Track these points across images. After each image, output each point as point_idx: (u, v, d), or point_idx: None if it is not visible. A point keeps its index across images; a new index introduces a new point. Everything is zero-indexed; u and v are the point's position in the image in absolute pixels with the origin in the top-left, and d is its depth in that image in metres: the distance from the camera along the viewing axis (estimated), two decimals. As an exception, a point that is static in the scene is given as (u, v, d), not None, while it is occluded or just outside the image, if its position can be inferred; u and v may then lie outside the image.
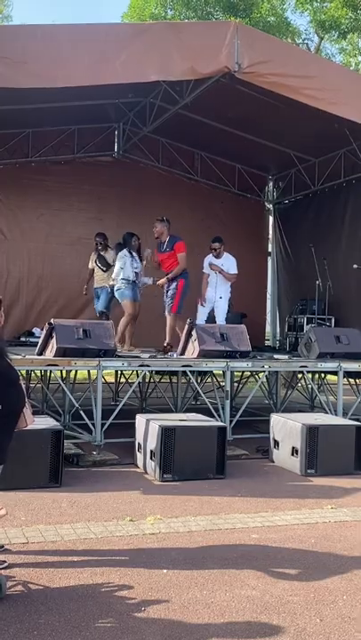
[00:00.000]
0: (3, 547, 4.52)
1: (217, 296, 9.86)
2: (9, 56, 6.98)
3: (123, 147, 12.80)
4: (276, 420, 7.51)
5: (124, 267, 9.15)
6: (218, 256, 9.91)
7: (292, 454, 7.07)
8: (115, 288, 9.27)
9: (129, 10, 24.36)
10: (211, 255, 9.97)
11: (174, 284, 9.08)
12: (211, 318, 9.87)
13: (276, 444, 7.42)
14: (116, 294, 9.26)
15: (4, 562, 4.26)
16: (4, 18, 28.49)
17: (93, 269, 10.51)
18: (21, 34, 7.51)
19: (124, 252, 9.19)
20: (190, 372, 8.38)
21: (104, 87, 8.11)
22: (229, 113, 10.61)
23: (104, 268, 10.21)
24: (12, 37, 7.33)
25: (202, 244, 10.34)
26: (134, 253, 9.24)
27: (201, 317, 9.80)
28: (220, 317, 9.82)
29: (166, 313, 9.16)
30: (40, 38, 7.33)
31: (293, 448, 7.06)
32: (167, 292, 9.17)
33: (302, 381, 10.59)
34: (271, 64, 8.13)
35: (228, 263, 9.91)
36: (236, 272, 9.94)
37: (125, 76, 7.73)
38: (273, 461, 7.45)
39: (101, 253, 10.29)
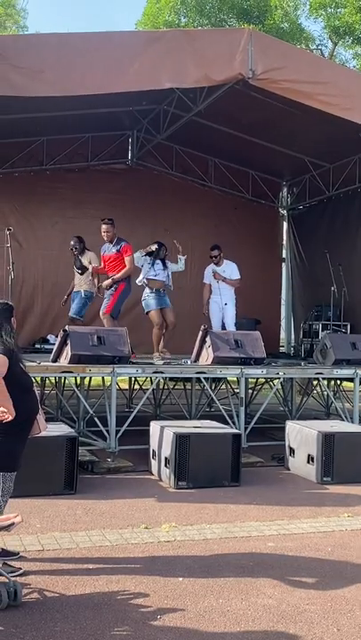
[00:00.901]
0: (18, 554, 4.53)
1: (222, 303, 9.87)
2: (26, 66, 7.04)
3: (136, 154, 12.84)
4: (292, 427, 7.46)
5: (142, 271, 9.07)
6: (218, 263, 9.95)
7: (308, 462, 7.02)
8: (141, 298, 9.15)
9: (143, 17, 24.44)
10: (212, 264, 9.99)
11: (114, 286, 8.90)
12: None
13: (292, 451, 7.37)
14: (143, 304, 9.16)
15: (20, 569, 4.26)
16: (20, 28, 28.72)
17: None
18: (37, 43, 7.57)
19: (147, 257, 9.10)
20: (204, 378, 8.36)
21: (118, 95, 8.14)
22: (243, 119, 10.61)
23: (80, 271, 9.89)
24: (29, 47, 7.40)
25: (216, 251, 10.32)
26: (157, 261, 9.09)
27: (215, 325, 9.79)
28: (230, 323, 9.84)
29: (101, 314, 8.92)
30: (55, 47, 7.37)
31: (309, 456, 7.01)
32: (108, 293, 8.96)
33: (318, 388, 10.53)
34: (285, 70, 8.12)
35: (230, 269, 9.95)
36: (239, 277, 9.96)
37: (139, 83, 7.76)
38: (288, 469, 7.40)
39: (79, 257, 9.92)
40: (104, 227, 9.06)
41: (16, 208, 12.02)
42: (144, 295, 9.07)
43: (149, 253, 9.03)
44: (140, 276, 9.06)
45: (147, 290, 9.04)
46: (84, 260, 9.81)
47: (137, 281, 9.13)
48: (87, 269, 9.71)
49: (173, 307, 9.30)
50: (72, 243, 9.99)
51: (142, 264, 9.05)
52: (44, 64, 7.15)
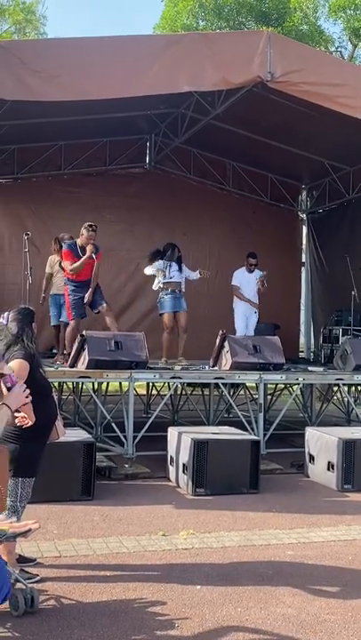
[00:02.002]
0: (35, 560, 4.51)
1: (252, 310, 9.83)
2: (44, 70, 7.05)
3: (154, 158, 12.84)
4: (312, 433, 7.38)
5: (157, 276, 9.03)
6: (252, 271, 9.91)
7: (328, 469, 6.93)
8: (157, 300, 9.07)
9: (161, 21, 24.50)
10: (243, 269, 9.93)
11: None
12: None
13: (312, 458, 7.28)
14: (158, 305, 9.09)
15: (37, 575, 4.24)
16: (39, 35, 28.88)
17: (52, 274, 9.85)
18: (55, 47, 7.57)
19: (159, 262, 9.06)
20: (223, 384, 8.29)
21: (136, 99, 8.13)
22: (262, 122, 10.56)
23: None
24: (47, 51, 7.40)
25: (234, 255, 10.29)
26: (172, 263, 9.03)
27: (240, 330, 9.74)
28: (251, 330, 9.81)
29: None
30: (73, 51, 7.38)
31: (329, 463, 6.92)
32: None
33: (338, 394, 10.42)
34: (304, 72, 8.05)
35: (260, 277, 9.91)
36: (266, 286, 9.95)
37: (157, 87, 7.73)
38: (308, 476, 7.31)
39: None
40: (93, 233, 8.66)
41: (34, 212, 12.05)
42: (160, 296, 8.97)
43: (155, 253, 9.00)
44: (155, 283, 9.02)
45: (163, 291, 8.97)
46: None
47: (153, 286, 9.09)
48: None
49: (190, 311, 9.23)
50: (59, 239, 9.58)
51: (157, 270, 9.05)
52: (62, 68, 7.15)
